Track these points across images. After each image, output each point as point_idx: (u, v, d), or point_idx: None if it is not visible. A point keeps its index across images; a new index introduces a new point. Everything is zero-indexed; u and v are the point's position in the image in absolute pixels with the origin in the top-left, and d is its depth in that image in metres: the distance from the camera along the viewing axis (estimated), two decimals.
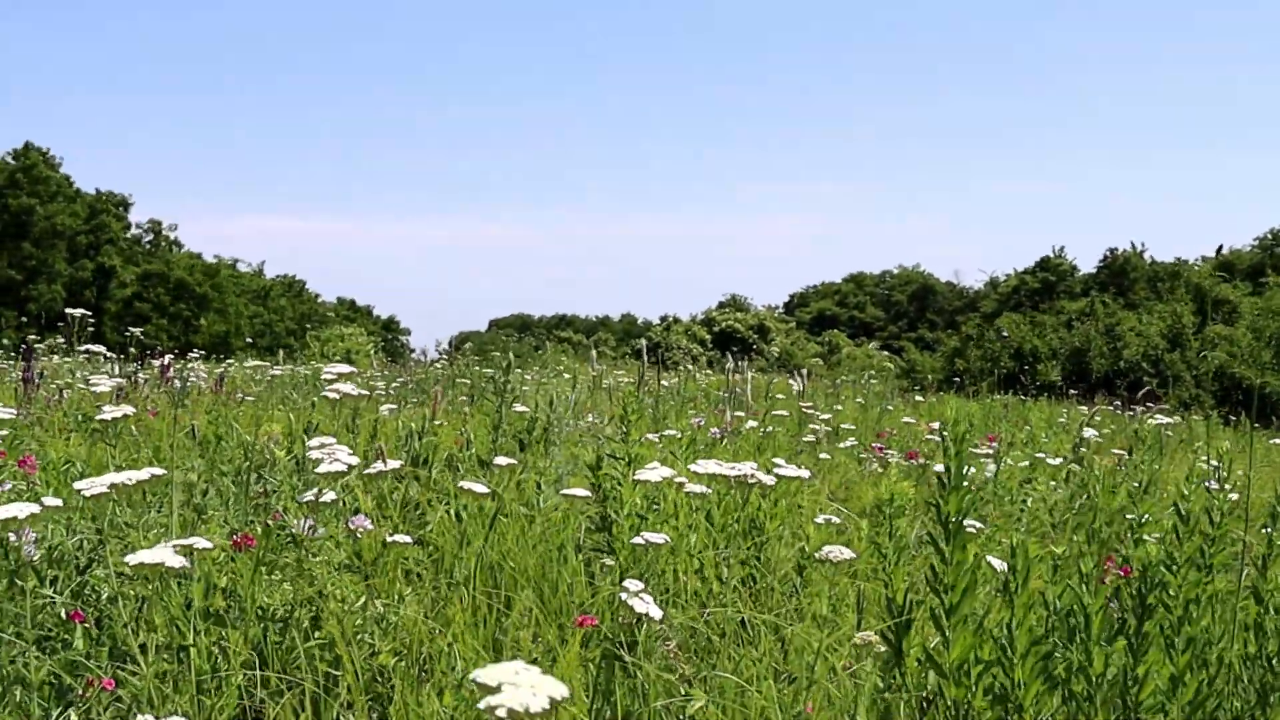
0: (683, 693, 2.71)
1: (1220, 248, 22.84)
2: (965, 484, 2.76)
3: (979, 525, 3.63)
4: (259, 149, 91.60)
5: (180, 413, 6.37)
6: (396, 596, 2.94)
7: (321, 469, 2.59)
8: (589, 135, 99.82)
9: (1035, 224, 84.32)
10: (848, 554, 2.96)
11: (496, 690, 0.87)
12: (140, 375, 8.11)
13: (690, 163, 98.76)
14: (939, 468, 2.76)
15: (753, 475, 3.11)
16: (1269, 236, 40.38)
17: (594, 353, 7.09)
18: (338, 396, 2.88)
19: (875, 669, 2.90)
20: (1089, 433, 5.45)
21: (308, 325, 43.61)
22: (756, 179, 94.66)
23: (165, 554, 1.67)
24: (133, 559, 1.67)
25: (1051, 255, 45.98)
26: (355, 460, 2.61)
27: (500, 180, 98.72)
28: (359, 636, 2.85)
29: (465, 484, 2.96)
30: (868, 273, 75.89)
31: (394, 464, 2.88)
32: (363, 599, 2.90)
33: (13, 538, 2.75)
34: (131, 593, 2.66)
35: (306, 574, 2.74)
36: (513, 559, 3.44)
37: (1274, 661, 2.58)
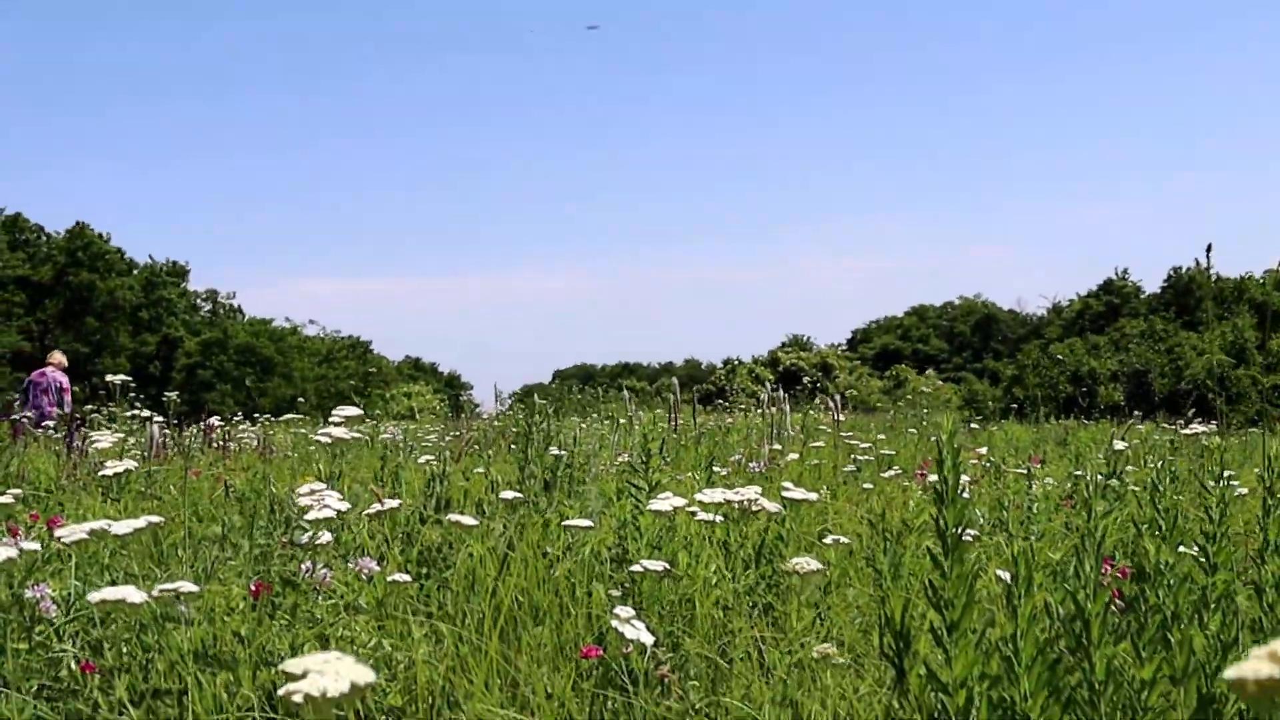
0: None
1: None
2: (962, 496, 2.74)
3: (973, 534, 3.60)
4: (320, 211, 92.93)
5: (220, 470, 6.46)
6: (402, 634, 2.95)
7: (310, 516, 2.62)
8: (642, 182, 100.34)
9: (1100, 247, 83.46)
10: (815, 565, 2.98)
11: (301, 677, 0.88)
12: (190, 439, 8.24)
13: (744, 203, 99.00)
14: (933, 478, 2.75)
15: (756, 501, 3.10)
16: None
17: (626, 393, 7.10)
18: (329, 441, 2.92)
19: (882, 691, 2.87)
20: (1119, 445, 5.37)
21: (370, 385, 44.01)
22: (814, 216, 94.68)
23: (128, 591, 1.70)
24: (94, 596, 1.70)
25: (1114, 277, 45.52)
26: (345, 505, 2.64)
27: (558, 231, 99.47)
28: None
29: (453, 516, 2.97)
30: (930, 305, 75.45)
31: (391, 504, 2.89)
32: (374, 640, 2.92)
33: (29, 593, 2.80)
34: (137, 640, 2.70)
35: (307, 615, 2.76)
36: (528, 597, 3.44)
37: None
